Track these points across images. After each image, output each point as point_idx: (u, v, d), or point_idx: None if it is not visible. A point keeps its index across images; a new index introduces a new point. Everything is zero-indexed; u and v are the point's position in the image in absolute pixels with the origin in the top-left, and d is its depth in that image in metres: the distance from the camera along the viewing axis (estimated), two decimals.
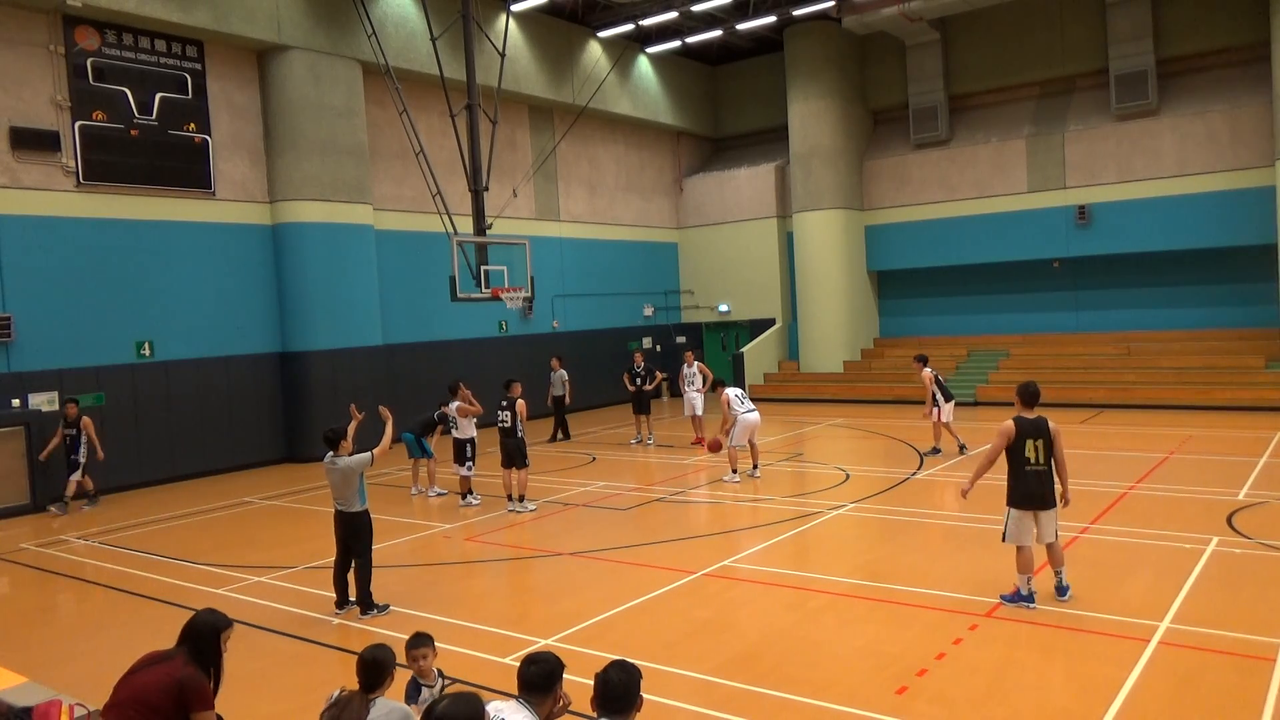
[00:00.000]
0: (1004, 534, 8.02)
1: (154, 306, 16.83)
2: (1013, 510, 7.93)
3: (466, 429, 13.73)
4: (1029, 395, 8.09)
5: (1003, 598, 8.01)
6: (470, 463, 13.61)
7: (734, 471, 14.36)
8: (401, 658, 4.90)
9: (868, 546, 10.65)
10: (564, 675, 3.87)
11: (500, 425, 12.86)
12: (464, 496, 13.64)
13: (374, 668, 4.40)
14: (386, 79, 18.65)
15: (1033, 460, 7.90)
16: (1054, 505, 7.93)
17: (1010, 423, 8.02)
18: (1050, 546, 7.95)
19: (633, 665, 3.69)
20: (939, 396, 15.53)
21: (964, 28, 24.78)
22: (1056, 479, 7.99)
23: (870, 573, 9.29)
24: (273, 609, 9.00)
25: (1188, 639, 7.03)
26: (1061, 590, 7.97)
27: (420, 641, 5.21)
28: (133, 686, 4.23)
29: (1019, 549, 7.90)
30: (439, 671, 5.32)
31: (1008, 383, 22.49)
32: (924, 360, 16.08)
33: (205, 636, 4.44)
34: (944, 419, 15.59)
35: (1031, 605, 7.81)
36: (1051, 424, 8.00)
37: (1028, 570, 7.87)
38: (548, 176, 24.83)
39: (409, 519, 12.91)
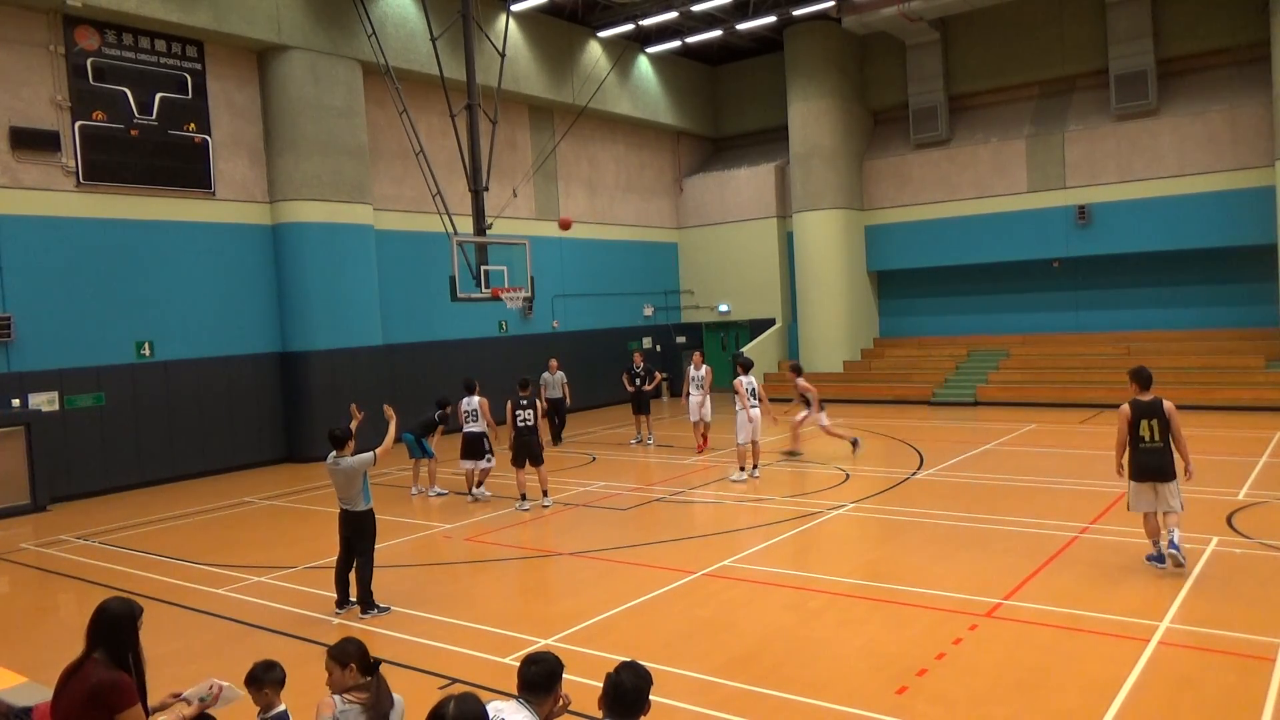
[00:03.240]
0: (1128, 504, 8.91)
1: (154, 306, 16.83)
2: (1132, 483, 8.77)
3: (479, 425, 13.98)
4: (1143, 379, 8.82)
5: (1147, 558, 8.81)
6: (490, 455, 13.84)
7: (741, 469, 14.36)
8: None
9: (868, 546, 10.66)
10: (564, 675, 3.87)
11: (523, 424, 12.91)
12: (477, 486, 13.86)
13: (359, 655, 4.37)
14: (386, 79, 18.65)
15: (1148, 438, 8.67)
16: (1173, 478, 8.62)
17: (1126, 406, 8.83)
18: (1168, 514, 8.65)
19: (644, 669, 3.67)
20: (813, 405, 15.93)
21: (964, 28, 24.78)
22: (1176, 454, 8.66)
23: (870, 573, 9.29)
24: (273, 609, 9.00)
25: (1188, 639, 7.03)
26: (1172, 544, 8.48)
27: (263, 675, 4.78)
28: (57, 715, 4.14)
29: (1145, 516, 8.79)
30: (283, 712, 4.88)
31: (1008, 383, 22.56)
32: (798, 370, 16.53)
33: (124, 626, 4.27)
34: (823, 423, 16.18)
35: (1163, 565, 8.55)
36: (1166, 404, 8.67)
37: (1154, 535, 8.73)
38: (548, 176, 24.83)
39: (409, 519, 12.91)
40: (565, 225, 14.90)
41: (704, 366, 17.47)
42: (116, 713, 4.03)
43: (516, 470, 13.05)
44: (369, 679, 4.29)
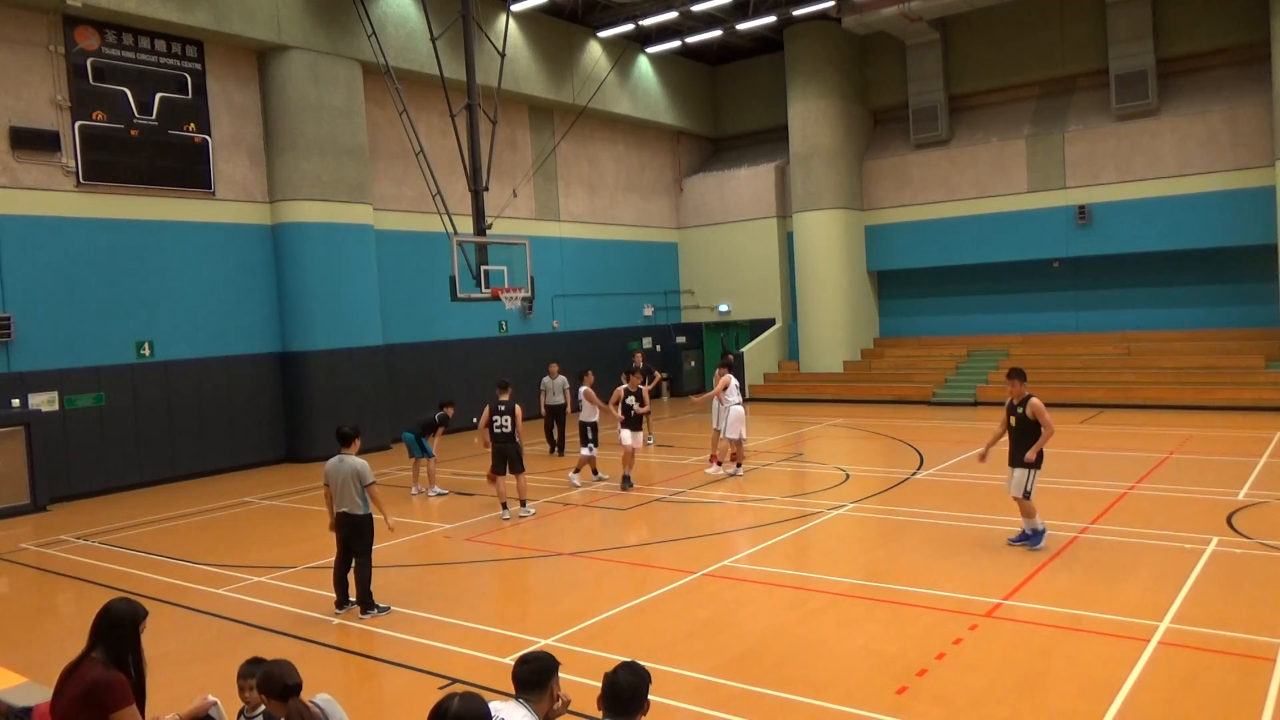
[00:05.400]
0: (1030, 490, 9.56)
1: (154, 306, 16.83)
2: (1038, 471, 9.61)
3: (591, 413, 14.89)
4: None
5: (1012, 541, 9.68)
6: (593, 444, 14.72)
7: (718, 464, 14.90)
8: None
9: (868, 546, 10.66)
10: (562, 675, 3.87)
11: (500, 430, 12.44)
12: (591, 472, 14.78)
13: (276, 680, 4.22)
14: (386, 79, 18.65)
15: None
16: None
17: (1040, 401, 9.57)
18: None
19: (643, 668, 3.68)
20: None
21: (964, 28, 24.78)
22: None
23: (870, 573, 9.29)
24: (273, 609, 9.00)
25: (1188, 639, 7.03)
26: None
27: (251, 671, 4.73)
28: (56, 713, 4.15)
29: (1031, 499, 9.63)
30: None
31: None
32: (729, 364, 15.17)
33: (126, 627, 4.29)
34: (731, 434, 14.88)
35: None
36: None
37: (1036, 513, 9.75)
38: (548, 176, 24.83)
39: (409, 519, 12.89)
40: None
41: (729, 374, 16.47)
42: (110, 712, 4.03)
43: (496, 478, 12.51)
44: (285, 706, 4.14)
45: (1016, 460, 9.60)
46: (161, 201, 16.96)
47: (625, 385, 14.64)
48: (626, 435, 14.39)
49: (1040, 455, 9.62)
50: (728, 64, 29.33)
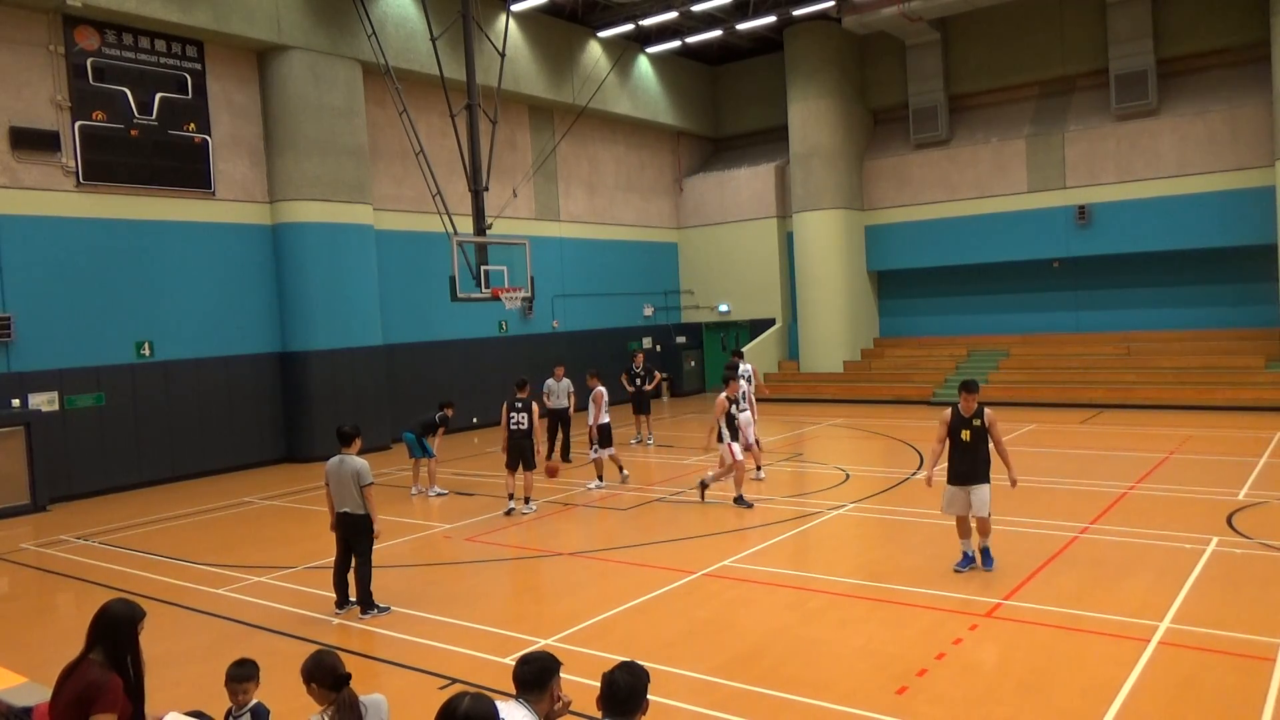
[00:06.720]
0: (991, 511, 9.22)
1: (154, 306, 16.82)
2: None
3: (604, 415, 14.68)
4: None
5: (958, 567, 9.06)
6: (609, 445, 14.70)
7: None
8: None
9: (868, 546, 10.66)
10: (562, 675, 3.87)
11: (516, 428, 12.58)
12: (622, 470, 14.70)
13: (328, 670, 4.30)
14: (386, 79, 18.65)
15: None
16: None
17: (993, 412, 9.23)
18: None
19: (641, 668, 3.68)
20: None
21: (964, 28, 24.79)
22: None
23: (870, 573, 9.29)
24: (273, 609, 9.00)
25: (1188, 639, 7.03)
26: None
27: (240, 675, 4.82)
28: (54, 713, 4.16)
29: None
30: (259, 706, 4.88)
31: (1008, 383, 22.56)
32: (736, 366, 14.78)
33: (123, 628, 4.28)
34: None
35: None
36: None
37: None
38: (548, 176, 24.83)
39: (409, 519, 12.90)
40: (552, 473, 13.81)
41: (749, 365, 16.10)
42: (92, 714, 4.03)
43: (509, 474, 12.74)
44: (336, 695, 4.20)
45: (980, 477, 8.94)
46: (161, 201, 16.96)
47: (726, 393, 12.76)
48: (738, 449, 12.67)
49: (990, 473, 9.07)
50: (728, 64, 29.33)
